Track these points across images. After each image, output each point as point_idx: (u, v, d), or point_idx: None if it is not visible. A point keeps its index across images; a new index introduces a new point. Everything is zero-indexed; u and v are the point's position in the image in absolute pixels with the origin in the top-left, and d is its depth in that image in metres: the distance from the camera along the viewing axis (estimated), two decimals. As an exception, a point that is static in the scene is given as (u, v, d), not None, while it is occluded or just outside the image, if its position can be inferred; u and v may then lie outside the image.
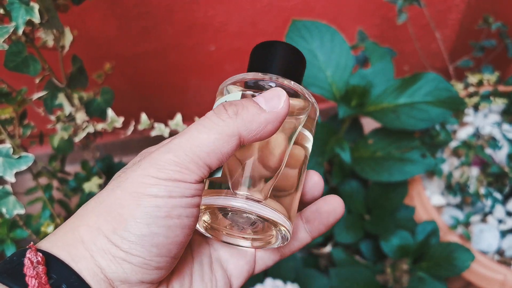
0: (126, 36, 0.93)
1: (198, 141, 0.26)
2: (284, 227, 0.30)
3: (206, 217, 0.32)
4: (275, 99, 0.28)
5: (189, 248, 0.33)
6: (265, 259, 0.35)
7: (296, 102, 0.31)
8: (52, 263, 0.25)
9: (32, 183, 0.63)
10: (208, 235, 0.33)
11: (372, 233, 0.84)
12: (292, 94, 0.31)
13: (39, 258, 0.25)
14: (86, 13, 0.87)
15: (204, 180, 0.28)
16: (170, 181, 0.26)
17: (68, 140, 0.55)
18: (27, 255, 0.25)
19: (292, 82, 0.31)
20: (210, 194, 0.30)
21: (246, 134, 0.27)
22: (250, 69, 0.33)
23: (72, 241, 0.26)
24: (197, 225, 0.32)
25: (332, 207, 0.34)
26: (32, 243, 0.26)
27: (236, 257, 0.34)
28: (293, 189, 0.32)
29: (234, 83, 0.32)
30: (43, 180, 0.71)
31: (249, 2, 0.95)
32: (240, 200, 0.29)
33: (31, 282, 0.24)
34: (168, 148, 0.26)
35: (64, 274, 0.25)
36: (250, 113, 0.27)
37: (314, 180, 0.35)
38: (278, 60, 0.32)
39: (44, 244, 0.27)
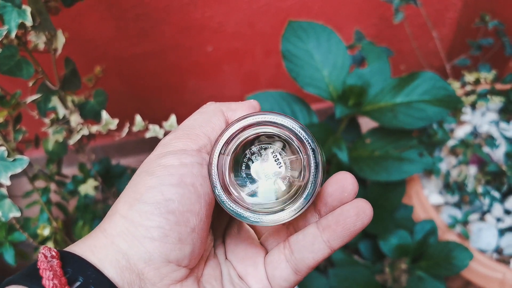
0: (124, 37, 0.93)
1: (191, 121, 0.31)
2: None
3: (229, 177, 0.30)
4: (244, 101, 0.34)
5: (216, 257, 0.33)
6: (279, 280, 0.31)
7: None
8: (67, 258, 0.25)
9: (30, 186, 0.63)
10: (237, 215, 0.30)
11: (371, 232, 0.84)
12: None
13: (53, 253, 0.25)
14: (83, 15, 0.87)
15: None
16: (177, 151, 0.28)
17: (61, 143, 0.55)
18: (41, 251, 0.25)
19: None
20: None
21: (228, 110, 0.32)
22: None
23: (94, 235, 0.27)
24: (226, 205, 0.29)
25: (360, 210, 0.29)
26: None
27: (253, 274, 0.32)
28: None
29: None
30: (41, 183, 0.71)
31: (246, 3, 0.95)
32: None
33: (45, 274, 0.24)
34: (172, 132, 0.30)
35: (80, 267, 0.25)
36: (227, 102, 0.33)
37: (347, 182, 0.30)
38: None
39: (72, 246, 0.27)
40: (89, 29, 0.90)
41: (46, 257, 0.25)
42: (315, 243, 0.30)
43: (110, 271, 0.25)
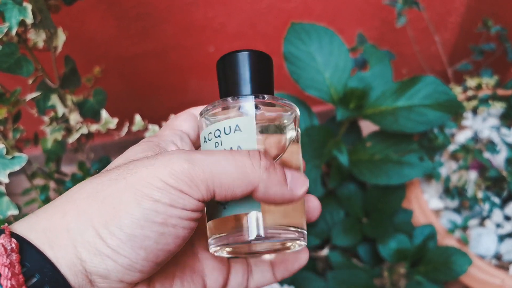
0: (125, 36, 0.93)
1: (220, 168, 0.27)
2: (304, 237, 0.32)
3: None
4: (299, 184, 0.29)
5: None
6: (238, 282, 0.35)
7: (273, 114, 0.32)
8: (26, 249, 0.24)
9: (29, 184, 0.63)
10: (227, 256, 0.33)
11: (370, 236, 0.84)
12: (268, 104, 0.32)
13: (13, 245, 0.24)
14: (84, 14, 0.87)
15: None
16: (176, 190, 0.26)
17: (60, 142, 0.54)
18: (1, 241, 0.24)
19: (266, 96, 0.32)
20: (225, 230, 0.30)
21: (262, 192, 0.28)
22: (220, 91, 0.34)
23: (56, 227, 0.25)
24: (217, 252, 0.32)
25: (296, 255, 0.35)
26: (6, 224, 0.25)
27: (217, 272, 0.34)
28: None
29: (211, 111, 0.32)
30: (40, 181, 0.71)
31: (249, 4, 0.95)
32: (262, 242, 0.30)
33: (4, 271, 0.23)
34: (189, 157, 0.26)
35: (38, 263, 0.24)
36: (277, 179, 0.28)
37: (314, 205, 0.35)
38: (244, 76, 0.32)
39: (22, 226, 0.26)
40: (90, 28, 0.90)
41: (6, 250, 0.23)
42: (263, 272, 0.36)
43: (65, 271, 0.25)
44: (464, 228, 0.84)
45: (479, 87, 0.90)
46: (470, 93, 0.90)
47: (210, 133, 0.31)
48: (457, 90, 0.88)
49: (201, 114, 0.33)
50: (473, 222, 0.84)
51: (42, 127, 0.53)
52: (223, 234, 0.30)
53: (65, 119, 0.52)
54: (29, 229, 0.25)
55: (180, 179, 0.26)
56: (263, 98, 0.31)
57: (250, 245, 0.31)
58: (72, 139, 0.51)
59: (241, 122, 0.30)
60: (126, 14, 0.89)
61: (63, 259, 0.25)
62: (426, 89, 0.78)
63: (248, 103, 0.31)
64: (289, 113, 0.32)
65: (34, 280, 0.24)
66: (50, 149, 0.55)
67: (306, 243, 0.32)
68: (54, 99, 0.49)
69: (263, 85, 0.33)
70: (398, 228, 0.84)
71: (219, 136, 0.30)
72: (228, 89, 0.33)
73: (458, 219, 0.85)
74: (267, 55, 0.33)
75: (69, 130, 0.54)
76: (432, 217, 0.85)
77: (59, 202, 0.27)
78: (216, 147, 0.30)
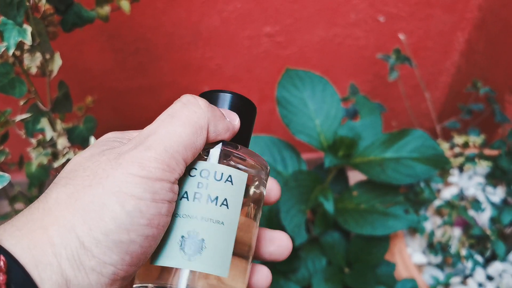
0: (121, 69, 0.94)
1: (175, 136, 0.27)
2: None
3: None
4: (232, 116, 0.32)
5: None
6: None
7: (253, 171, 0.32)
8: (12, 269, 0.23)
9: (9, 208, 0.62)
10: None
11: (351, 286, 0.83)
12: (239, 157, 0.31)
13: (2, 264, 0.23)
14: (83, 44, 0.88)
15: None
16: (153, 179, 0.26)
17: (45, 167, 0.54)
18: None
19: (240, 148, 0.32)
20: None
21: (212, 131, 0.29)
22: None
23: (40, 243, 0.24)
24: None
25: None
26: None
27: None
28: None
29: None
30: (20, 206, 0.70)
31: (246, 48, 0.97)
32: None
33: None
34: (147, 146, 0.27)
35: (23, 285, 0.23)
36: (218, 113, 0.30)
37: (264, 273, 0.35)
38: None
39: (9, 238, 0.24)
40: (87, 59, 0.91)
41: None
42: None
43: None
44: (446, 285, 0.83)
45: (466, 145, 0.92)
46: (457, 150, 0.91)
47: (195, 169, 0.30)
48: (444, 146, 0.90)
49: None
50: (456, 279, 0.83)
51: (28, 149, 0.53)
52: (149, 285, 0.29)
53: (52, 143, 0.51)
54: (15, 242, 0.24)
55: (152, 167, 0.26)
56: (236, 148, 0.31)
57: None
58: (57, 163, 0.51)
59: (235, 174, 0.30)
60: (125, 48, 0.90)
61: (48, 281, 0.24)
62: (415, 142, 0.79)
63: (215, 150, 0.30)
64: (256, 170, 0.32)
65: None
66: (34, 174, 0.54)
67: None
68: (44, 122, 0.49)
69: (241, 135, 0.32)
70: (380, 280, 0.83)
71: (206, 177, 0.29)
72: None
73: (440, 275, 0.84)
74: (253, 104, 0.33)
75: (55, 156, 0.53)
76: (414, 271, 0.84)
77: (37, 216, 0.26)
78: (198, 187, 0.29)
